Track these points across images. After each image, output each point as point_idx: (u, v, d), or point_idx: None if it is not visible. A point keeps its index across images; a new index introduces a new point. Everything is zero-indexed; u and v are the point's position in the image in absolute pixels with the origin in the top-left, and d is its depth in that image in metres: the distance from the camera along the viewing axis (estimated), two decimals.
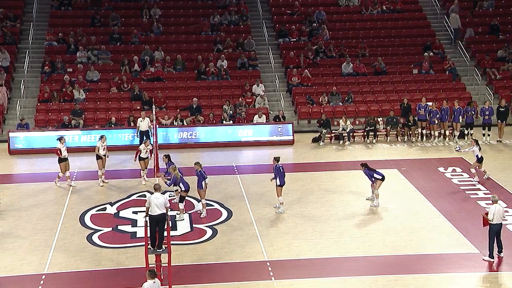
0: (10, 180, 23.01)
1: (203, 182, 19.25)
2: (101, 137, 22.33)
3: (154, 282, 13.47)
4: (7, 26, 32.64)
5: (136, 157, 22.26)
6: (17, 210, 19.93)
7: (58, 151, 21.83)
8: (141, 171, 22.33)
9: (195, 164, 19.45)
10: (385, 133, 28.29)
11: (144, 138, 24.77)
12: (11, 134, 26.52)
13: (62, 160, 21.83)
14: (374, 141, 27.78)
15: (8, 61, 30.79)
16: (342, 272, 16.13)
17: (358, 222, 19.26)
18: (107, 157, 22.41)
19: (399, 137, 28.28)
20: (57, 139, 22.21)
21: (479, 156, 22.40)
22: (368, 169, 20.22)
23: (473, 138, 24.48)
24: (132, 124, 27.33)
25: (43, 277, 15.76)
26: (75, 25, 33.44)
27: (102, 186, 22.01)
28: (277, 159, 19.81)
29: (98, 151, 22.07)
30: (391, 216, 19.64)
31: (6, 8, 33.26)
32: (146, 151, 22.28)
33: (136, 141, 26.18)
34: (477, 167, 22.58)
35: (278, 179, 19.54)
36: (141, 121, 25.91)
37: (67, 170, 21.99)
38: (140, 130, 25.87)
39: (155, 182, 17.40)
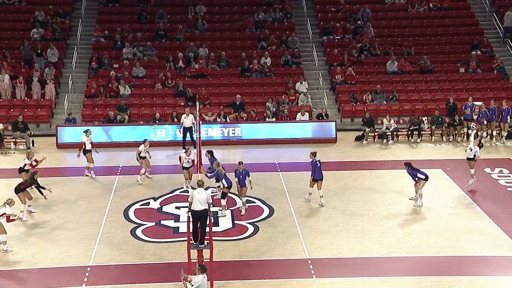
0: (57, 173, 23.50)
1: (246, 180, 19.32)
2: (144, 141, 22.40)
3: (204, 277, 13.60)
4: (57, 22, 33.32)
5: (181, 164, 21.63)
6: (64, 203, 20.35)
7: (83, 144, 22.54)
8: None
9: (239, 164, 19.49)
10: (429, 132, 27.95)
11: (188, 134, 25.06)
12: (59, 128, 27.08)
13: (86, 151, 22.59)
14: (418, 140, 27.47)
15: (57, 56, 31.41)
16: (384, 272, 16.02)
17: (401, 222, 19.09)
18: (150, 157, 22.60)
19: (444, 137, 27.90)
20: (83, 132, 22.92)
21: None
22: (412, 168, 20.03)
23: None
24: (175, 120, 27.62)
25: (88, 269, 16.07)
26: (122, 22, 33.94)
27: (140, 184, 22.16)
28: (314, 154, 20.06)
29: (139, 154, 22.15)
30: (435, 216, 19.41)
31: (56, 5, 33.95)
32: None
33: (179, 137, 26.46)
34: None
35: (312, 173, 19.89)
36: (185, 117, 26.07)
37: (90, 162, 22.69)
38: (183, 126, 26.07)
39: (198, 178, 17.54)
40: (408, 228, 18.64)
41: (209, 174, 19.60)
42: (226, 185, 19.14)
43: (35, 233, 18.16)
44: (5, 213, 16.93)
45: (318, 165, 19.96)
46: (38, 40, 32.08)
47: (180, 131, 26.35)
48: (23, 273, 15.95)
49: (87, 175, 22.84)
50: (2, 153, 25.89)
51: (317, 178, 19.95)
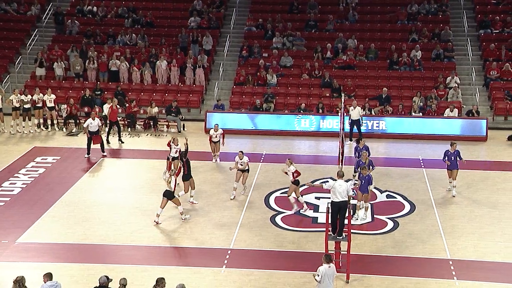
0: (205, 157, 24.43)
1: (368, 187, 18.43)
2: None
3: (329, 267, 13.53)
4: (212, 11, 34.57)
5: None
6: (210, 186, 21.16)
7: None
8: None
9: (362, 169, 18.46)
10: None
11: (355, 127, 25.30)
12: (208, 114, 28.15)
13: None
14: None
15: (211, 44, 32.60)
16: None
17: None
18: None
19: None
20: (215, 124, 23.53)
21: None
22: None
23: None
24: (320, 111, 27.71)
25: (229, 252, 16.64)
26: (274, 12, 34.52)
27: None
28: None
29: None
30: None
31: None
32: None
33: (323, 127, 26.52)
34: None
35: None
36: (352, 109, 25.72)
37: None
38: (351, 119, 25.70)
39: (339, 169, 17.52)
40: None
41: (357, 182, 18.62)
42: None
43: (179, 214, 19.05)
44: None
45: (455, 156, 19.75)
46: (195, 28, 33.46)
47: (348, 123, 25.68)
48: (168, 250, 16.84)
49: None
50: (156, 135, 27.36)
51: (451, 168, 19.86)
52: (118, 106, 27.07)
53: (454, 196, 20.11)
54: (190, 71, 30.96)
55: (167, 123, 28.14)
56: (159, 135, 27.38)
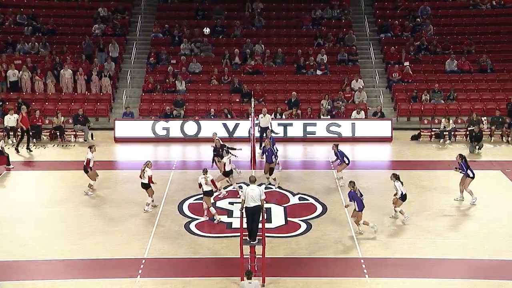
0: (114, 166, 23.97)
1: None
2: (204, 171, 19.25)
3: (250, 283, 13.70)
4: (117, 18, 33.99)
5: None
6: (120, 196, 20.77)
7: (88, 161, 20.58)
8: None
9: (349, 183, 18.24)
10: (489, 133, 27.33)
11: (265, 134, 24.56)
12: (116, 122, 27.64)
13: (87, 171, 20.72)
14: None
15: (117, 52, 32.05)
16: (439, 273, 15.77)
17: (457, 223, 18.76)
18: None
19: (504, 138, 27.24)
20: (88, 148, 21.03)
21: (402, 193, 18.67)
22: (466, 161, 19.84)
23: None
24: (228, 116, 27.78)
25: (143, 261, 16.36)
26: (180, 18, 34.36)
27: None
28: (353, 184, 17.93)
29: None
30: (493, 219, 18.98)
31: (117, 1, 34.65)
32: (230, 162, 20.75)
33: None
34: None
35: (356, 204, 17.71)
36: (261, 117, 25.23)
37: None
38: (260, 126, 25.21)
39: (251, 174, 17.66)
40: (464, 230, 18.30)
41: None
42: (357, 209, 17.74)
43: (91, 225, 18.59)
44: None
45: (359, 195, 18.07)
46: (100, 35, 32.78)
47: (258, 131, 25.38)
48: (80, 263, 16.36)
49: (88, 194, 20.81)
50: (62, 146, 26.58)
51: (361, 208, 17.74)
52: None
53: (342, 185, 20.61)
54: (96, 79, 30.29)
55: (74, 133, 27.42)
56: (66, 145, 26.63)
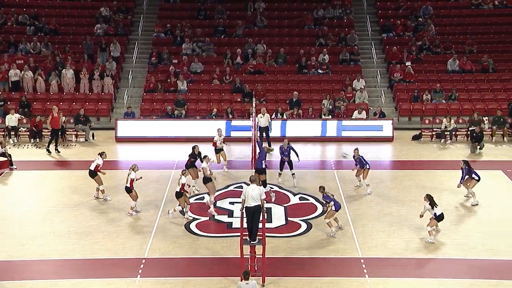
0: (115, 166, 23.99)
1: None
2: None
3: (247, 284, 13.73)
4: (119, 18, 34.02)
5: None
6: (121, 195, 20.77)
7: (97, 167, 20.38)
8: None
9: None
10: (490, 133, 27.29)
11: (264, 133, 24.85)
12: (118, 122, 27.65)
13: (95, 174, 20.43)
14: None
15: (119, 51, 32.07)
16: (438, 273, 15.77)
17: (458, 223, 18.74)
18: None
19: (505, 138, 27.21)
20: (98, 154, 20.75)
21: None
22: (469, 167, 19.98)
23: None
24: (230, 116, 27.78)
25: (143, 261, 16.38)
26: (182, 18, 34.36)
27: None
28: (323, 188, 18.14)
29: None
30: (493, 218, 18.97)
31: (119, 1, 34.67)
32: (221, 142, 22.27)
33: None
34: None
35: (334, 204, 17.92)
36: (261, 117, 25.19)
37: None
38: (260, 126, 25.14)
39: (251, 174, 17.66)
40: (465, 230, 18.29)
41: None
42: (334, 208, 17.96)
43: (91, 225, 18.62)
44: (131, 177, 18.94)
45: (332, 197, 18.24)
46: (101, 35, 32.81)
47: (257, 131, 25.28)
48: (80, 263, 16.38)
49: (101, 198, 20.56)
50: (64, 146, 26.61)
51: (337, 208, 18.02)
52: (22, 116, 26.16)
53: (370, 193, 20.61)
54: (98, 79, 30.32)
55: (75, 133, 27.44)
56: (67, 145, 26.66)
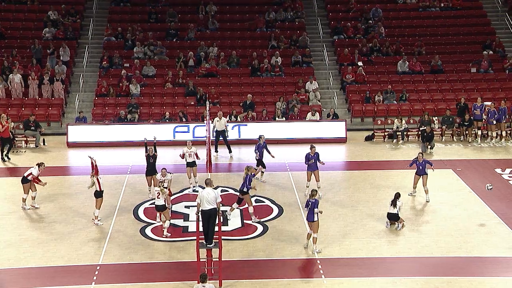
0: (67, 172, 23.60)
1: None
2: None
3: (203, 287, 13.70)
4: (68, 21, 33.47)
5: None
6: (74, 201, 20.44)
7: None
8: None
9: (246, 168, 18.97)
10: (440, 132, 27.84)
11: (220, 137, 24.88)
12: (69, 127, 27.19)
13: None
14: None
15: (69, 55, 31.55)
16: (393, 272, 15.99)
17: (411, 221, 19.02)
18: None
19: (454, 137, 27.79)
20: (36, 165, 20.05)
21: None
22: (426, 160, 20.64)
23: None
24: (183, 119, 27.61)
25: (98, 267, 16.14)
26: (133, 21, 34.04)
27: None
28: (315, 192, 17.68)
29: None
30: (445, 217, 19.34)
31: (68, 4, 34.13)
32: (190, 153, 21.04)
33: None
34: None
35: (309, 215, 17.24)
36: (217, 120, 25.09)
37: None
38: (216, 129, 25.11)
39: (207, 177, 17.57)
40: (417, 229, 18.58)
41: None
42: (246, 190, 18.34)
43: (44, 232, 18.25)
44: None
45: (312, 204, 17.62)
46: (50, 39, 32.22)
47: (213, 135, 25.13)
48: (33, 271, 16.03)
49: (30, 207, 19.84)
50: (13, 152, 26.01)
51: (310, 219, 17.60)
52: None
53: (320, 197, 20.72)
54: (47, 84, 29.76)
55: (25, 139, 26.86)
56: (17, 152, 26.08)
